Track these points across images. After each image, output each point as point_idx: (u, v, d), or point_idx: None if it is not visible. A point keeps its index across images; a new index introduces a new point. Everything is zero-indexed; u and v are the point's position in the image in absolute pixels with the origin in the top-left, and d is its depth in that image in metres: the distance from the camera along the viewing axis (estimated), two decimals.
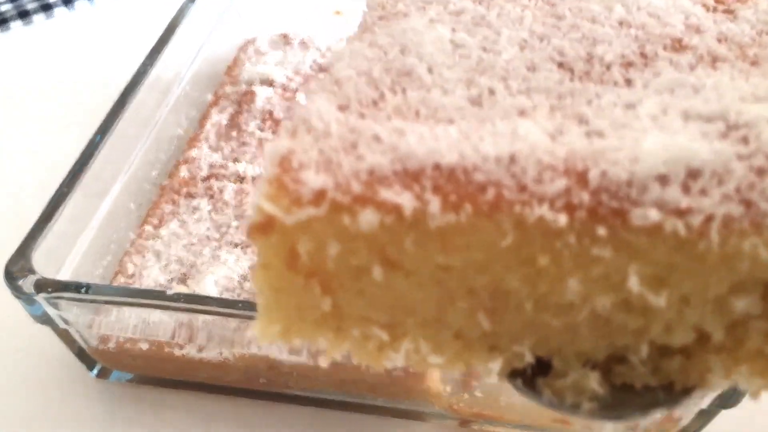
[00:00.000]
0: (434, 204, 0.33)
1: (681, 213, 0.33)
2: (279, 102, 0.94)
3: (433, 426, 0.72)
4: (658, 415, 0.40)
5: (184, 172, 0.86)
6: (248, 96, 0.94)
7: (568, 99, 0.39)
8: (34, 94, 1.15)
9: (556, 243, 0.34)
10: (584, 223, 0.33)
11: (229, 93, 0.96)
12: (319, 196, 0.34)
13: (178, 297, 0.64)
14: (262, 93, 0.95)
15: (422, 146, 0.35)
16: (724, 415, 0.63)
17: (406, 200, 0.33)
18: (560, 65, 0.42)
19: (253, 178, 0.84)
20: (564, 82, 0.40)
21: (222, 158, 0.87)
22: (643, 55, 0.42)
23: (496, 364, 0.39)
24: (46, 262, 0.68)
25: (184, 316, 0.64)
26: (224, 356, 0.70)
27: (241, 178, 0.85)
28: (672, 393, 0.39)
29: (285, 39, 1.05)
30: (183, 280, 0.74)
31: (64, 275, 0.71)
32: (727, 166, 0.34)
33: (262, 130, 0.90)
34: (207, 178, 0.85)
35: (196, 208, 0.81)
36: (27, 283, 0.65)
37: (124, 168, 0.82)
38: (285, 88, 0.97)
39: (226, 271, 0.74)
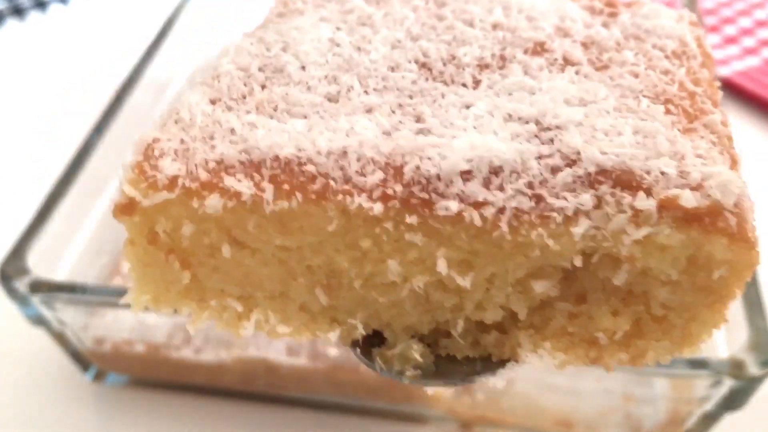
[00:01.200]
0: (269, 192, 0.38)
1: (477, 205, 0.38)
2: None
3: (433, 429, 0.71)
4: (476, 381, 0.46)
5: None
6: None
7: (417, 98, 0.44)
8: (28, 93, 1.14)
9: (375, 229, 0.39)
10: (398, 212, 0.38)
11: None
12: (173, 181, 0.39)
13: None
14: None
15: (266, 139, 0.40)
16: (729, 419, 0.63)
17: (244, 187, 0.38)
18: (422, 65, 0.47)
19: None
20: (418, 82, 0.46)
21: None
22: (502, 57, 0.47)
23: (335, 335, 0.44)
24: (41, 263, 0.67)
25: (180, 318, 0.64)
26: (221, 359, 0.69)
27: None
28: (489, 364, 0.45)
29: None
30: None
31: (60, 276, 0.71)
32: (526, 164, 0.39)
33: None
34: None
35: None
36: (22, 284, 0.64)
37: (120, 167, 0.81)
38: None
39: None
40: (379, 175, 0.38)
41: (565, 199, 0.37)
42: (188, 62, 0.97)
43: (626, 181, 0.38)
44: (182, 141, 0.41)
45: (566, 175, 0.38)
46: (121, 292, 0.66)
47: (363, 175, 0.39)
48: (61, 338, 0.71)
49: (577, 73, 0.46)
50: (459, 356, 0.45)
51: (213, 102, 0.44)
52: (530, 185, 0.38)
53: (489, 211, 0.38)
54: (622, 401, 0.64)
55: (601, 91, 0.43)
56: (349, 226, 0.39)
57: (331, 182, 0.38)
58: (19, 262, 0.65)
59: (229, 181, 0.39)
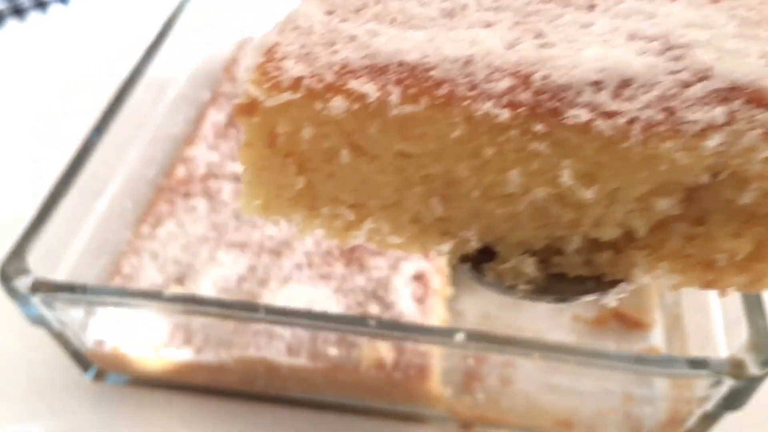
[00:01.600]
0: (395, 95, 0.38)
1: (608, 115, 0.37)
2: None
3: (433, 429, 0.71)
4: (587, 299, 0.45)
5: (181, 171, 0.85)
6: None
7: (532, 17, 0.43)
8: (28, 92, 1.14)
9: (500, 137, 0.38)
10: (525, 120, 0.37)
11: (227, 92, 0.96)
12: (296, 83, 0.38)
13: (175, 298, 0.64)
14: None
15: (390, 45, 0.40)
16: (728, 419, 0.63)
17: (370, 90, 0.38)
18: None
19: None
20: (531, 3, 0.44)
21: (220, 157, 0.87)
22: None
23: (446, 247, 0.44)
24: (41, 263, 0.67)
25: (181, 318, 0.64)
26: (221, 358, 0.69)
27: (238, 178, 0.84)
28: (601, 284, 0.44)
29: None
30: (180, 280, 0.74)
31: (60, 276, 0.71)
32: (656, 78, 0.38)
33: None
34: (205, 178, 0.85)
35: (193, 208, 0.81)
36: (22, 284, 0.64)
37: (121, 167, 0.82)
38: None
39: (223, 272, 0.74)
40: (507, 83, 0.38)
41: (697, 113, 0.37)
42: (189, 62, 0.98)
43: (759, 98, 0.37)
44: (303, 46, 0.40)
45: (698, 89, 0.37)
46: (122, 292, 0.67)
47: (490, 82, 0.38)
48: (61, 338, 0.71)
49: (689, 3, 0.44)
50: (570, 274, 0.45)
51: (328, 14, 0.44)
52: (661, 98, 0.37)
53: (619, 121, 0.37)
54: (622, 401, 0.64)
55: (720, 18, 0.42)
56: (473, 133, 0.39)
57: (458, 88, 0.38)
58: (20, 262, 0.66)
59: (354, 84, 0.38)
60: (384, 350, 0.63)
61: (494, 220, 0.43)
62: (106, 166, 0.79)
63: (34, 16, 1.28)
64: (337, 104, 0.38)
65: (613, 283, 0.44)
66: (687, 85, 0.37)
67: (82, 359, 0.74)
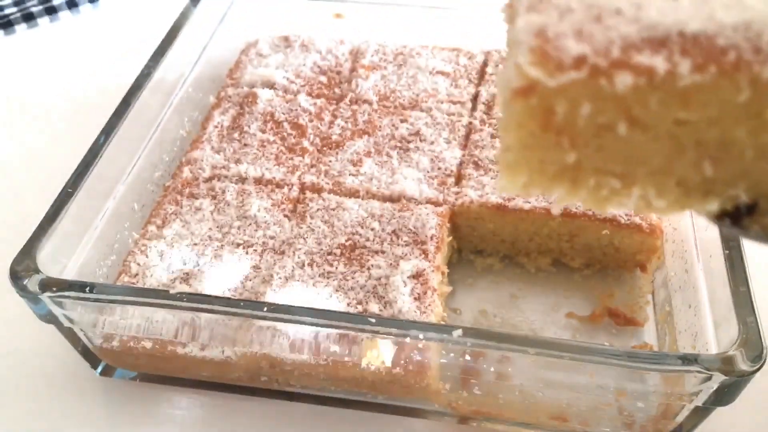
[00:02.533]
0: (684, 65, 0.37)
1: None
2: (280, 104, 0.95)
3: (432, 423, 0.73)
4: None
5: (186, 173, 0.87)
6: (250, 98, 0.95)
7: None
8: (39, 96, 1.16)
9: None
10: None
11: (231, 95, 0.97)
12: (580, 61, 0.38)
13: (181, 296, 0.65)
14: (263, 95, 0.96)
15: (665, 16, 0.39)
16: (719, 413, 0.64)
17: (658, 63, 0.37)
18: None
19: (255, 180, 0.85)
20: None
21: (224, 159, 0.88)
22: None
23: (712, 206, 0.43)
24: (50, 262, 0.69)
25: (187, 315, 0.65)
26: (226, 354, 0.71)
27: (242, 179, 0.86)
28: None
29: (286, 41, 1.06)
30: (186, 279, 0.75)
31: (69, 275, 0.72)
32: None
33: (263, 131, 0.91)
34: (209, 179, 0.86)
35: (198, 209, 0.82)
36: (32, 283, 0.66)
37: (128, 169, 0.83)
38: (286, 90, 0.98)
39: (228, 271, 0.75)
40: None
41: None
42: (194, 66, 0.99)
43: None
44: (572, 23, 0.40)
45: None
46: (129, 291, 0.68)
47: None
48: (70, 335, 0.72)
49: None
50: None
51: None
52: None
53: None
54: (615, 396, 0.65)
55: None
56: (757, 96, 0.38)
57: (744, 53, 0.37)
58: (30, 261, 0.67)
59: (640, 58, 0.38)
60: (384, 347, 0.64)
61: (763, 177, 0.42)
62: (113, 167, 0.80)
63: (43, 23, 1.29)
64: (623, 79, 0.38)
65: None
66: None
67: (90, 355, 0.75)
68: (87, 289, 0.66)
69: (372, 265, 0.75)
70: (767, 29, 0.38)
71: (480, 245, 0.87)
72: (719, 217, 0.45)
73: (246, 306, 0.64)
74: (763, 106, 0.39)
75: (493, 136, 0.89)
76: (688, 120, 0.40)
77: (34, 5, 1.28)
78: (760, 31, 0.38)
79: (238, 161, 0.87)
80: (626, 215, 0.79)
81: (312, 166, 0.88)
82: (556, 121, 0.41)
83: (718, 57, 0.37)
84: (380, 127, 0.92)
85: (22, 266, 0.67)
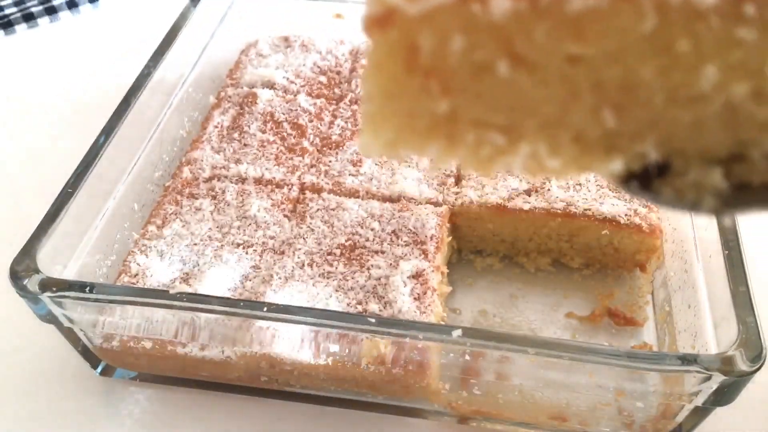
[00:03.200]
0: None
1: None
2: (280, 104, 0.95)
3: (432, 423, 0.73)
4: None
5: (186, 173, 0.87)
6: (250, 98, 0.96)
7: None
8: (39, 96, 1.16)
9: (699, 25, 0.32)
10: (731, 3, 0.31)
11: (231, 95, 0.97)
12: None
13: (180, 296, 0.65)
14: (263, 95, 0.96)
15: None
16: (719, 413, 0.64)
17: None
18: None
19: (255, 180, 0.85)
20: None
21: (224, 159, 0.88)
22: None
23: (616, 165, 0.38)
24: (50, 262, 0.69)
25: (186, 315, 0.65)
26: (226, 354, 0.71)
27: (242, 179, 0.86)
28: None
29: (286, 42, 1.06)
30: (186, 279, 0.75)
31: (69, 275, 0.72)
32: None
33: (263, 131, 0.91)
34: (209, 179, 0.86)
35: (198, 209, 0.82)
36: (32, 283, 0.66)
37: (128, 169, 0.83)
38: (286, 90, 0.98)
39: (228, 271, 0.75)
40: None
41: None
42: (194, 66, 0.99)
43: None
44: None
45: None
46: (129, 291, 0.68)
47: None
48: (70, 335, 0.72)
49: None
50: (756, 182, 0.38)
51: None
52: None
53: None
54: (615, 396, 0.65)
55: None
56: (666, 24, 0.32)
57: None
58: (30, 261, 0.67)
59: None
60: (383, 347, 0.64)
61: (675, 129, 0.36)
62: (113, 167, 0.80)
63: (43, 23, 1.29)
64: (500, 5, 0.31)
65: None
66: None
67: (90, 355, 0.75)
68: (87, 289, 0.66)
69: (372, 265, 0.75)
70: None
71: (480, 245, 0.87)
72: (626, 180, 0.39)
73: (246, 306, 0.64)
74: (672, 38, 0.33)
75: None
76: (582, 56, 0.33)
77: (34, 5, 1.28)
78: None
79: (238, 161, 0.88)
80: (626, 216, 0.79)
81: (312, 166, 0.88)
82: (422, 60, 0.34)
83: None
84: None
85: (22, 266, 0.67)
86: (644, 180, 0.38)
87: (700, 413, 0.65)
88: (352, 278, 0.74)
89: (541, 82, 0.35)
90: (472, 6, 0.31)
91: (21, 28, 1.28)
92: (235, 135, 0.91)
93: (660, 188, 0.38)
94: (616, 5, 0.32)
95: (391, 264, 0.75)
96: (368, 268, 0.75)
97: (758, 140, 0.37)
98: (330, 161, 0.88)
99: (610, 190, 0.82)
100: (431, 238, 0.78)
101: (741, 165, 0.38)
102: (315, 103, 0.96)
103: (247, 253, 0.77)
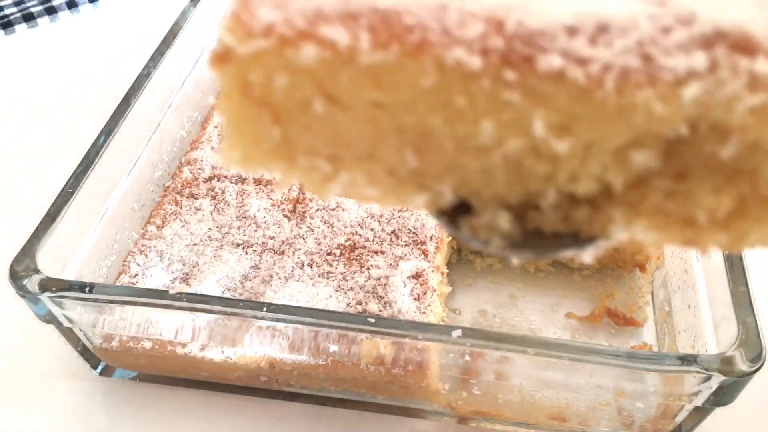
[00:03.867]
0: (364, 40, 0.36)
1: (582, 61, 0.34)
2: None
3: (432, 423, 0.73)
4: (563, 254, 0.43)
5: (186, 173, 0.87)
6: None
7: None
8: (39, 96, 1.16)
9: (472, 85, 0.36)
10: (496, 67, 0.35)
11: None
12: (269, 29, 0.37)
13: (180, 297, 0.65)
14: None
15: None
16: (719, 413, 0.64)
17: (340, 36, 0.36)
18: None
19: (255, 180, 0.85)
20: None
21: None
22: None
23: (421, 200, 0.42)
24: (50, 262, 0.69)
25: (186, 316, 0.65)
26: (226, 355, 0.71)
27: (242, 179, 0.86)
28: (578, 240, 0.43)
29: None
30: (185, 279, 0.75)
31: (68, 275, 0.72)
32: (635, 22, 0.35)
33: None
34: (209, 179, 0.86)
35: (198, 209, 0.82)
36: (31, 283, 0.66)
37: (128, 169, 0.83)
38: None
39: (227, 271, 0.75)
40: (480, 29, 0.35)
41: (677, 59, 0.34)
42: (196, 65, 0.99)
43: (744, 44, 0.34)
44: None
45: (679, 34, 0.35)
46: (129, 291, 0.68)
47: (463, 27, 0.36)
48: (70, 335, 0.72)
49: None
50: (547, 230, 0.43)
51: None
52: (640, 44, 0.35)
53: (594, 69, 0.34)
54: (615, 396, 0.65)
55: None
56: (445, 81, 0.36)
57: (430, 34, 0.36)
58: (29, 261, 0.67)
59: (325, 30, 0.36)
60: (383, 347, 0.64)
61: (468, 173, 0.41)
62: (113, 167, 0.80)
63: (43, 23, 1.29)
64: (308, 52, 0.36)
65: (591, 239, 0.43)
66: (668, 30, 0.35)
67: (90, 355, 0.75)
68: (86, 289, 0.66)
69: (371, 266, 0.75)
70: (459, 11, 0.36)
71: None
72: (438, 214, 0.44)
73: (245, 306, 0.64)
74: (452, 94, 0.37)
75: None
76: (382, 102, 0.38)
77: (34, 5, 1.28)
78: (452, 12, 0.36)
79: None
80: None
81: None
82: (255, 93, 0.39)
83: (402, 36, 0.36)
84: None
85: (22, 266, 0.67)
86: (453, 215, 0.43)
87: (699, 413, 0.65)
88: (352, 278, 0.74)
89: (352, 121, 0.40)
90: (287, 51, 0.37)
91: (21, 28, 1.28)
92: None
93: (462, 225, 0.43)
94: (401, 61, 0.36)
95: (390, 264, 0.75)
96: (368, 269, 0.75)
97: (543, 192, 0.41)
98: None
99: None
100: (431, 238, 0.78)
101: (535, 213, 0.42)
102: None
103: (246, 253, 0.77)
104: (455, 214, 0.43)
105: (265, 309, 0.64)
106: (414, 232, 0.78)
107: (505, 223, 0.42)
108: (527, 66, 0.35)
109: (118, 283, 0.76)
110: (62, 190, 0.74)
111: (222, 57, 0.38)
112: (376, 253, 0.76)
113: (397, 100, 0.38)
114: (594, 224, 0.42)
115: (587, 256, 0.43)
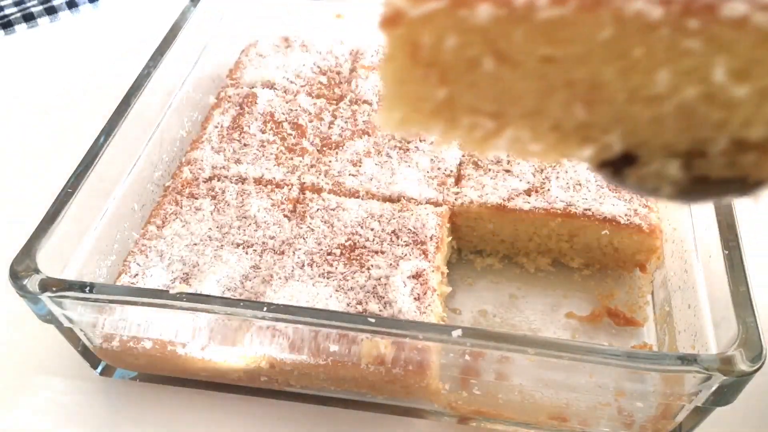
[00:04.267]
0: None
1: (766, 7, 0.34)
2: (280, 104, 0.95)
3: (432, 423, 0.73)
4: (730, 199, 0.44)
5: (186, 173, 0.87)
6: (250, 98, 0.96)
7: None
8: (39, 96, 1.16)
9: (651, 36, 0.36)
10: (677, 16, 0.35)
11: (231, 95, 0.97)
12: None
13: (180, 296, 0.65)
14: (263, 95, 0.96)
15: None
16: (719, 413, 0.64)
17: None
18: None
19: (255, 179, 0.85)
20: None
21: (224, 159, 0.88)
22: None
23: (587, 153, 0.42)
24: (50, 262, 0.69)
25: (186, 316, 0.65)
26: (226, 355, 0.71)
27: (242, 179, 0.86)
28: (745, 185, 0.42)
29: (286, 42, 1.06)
30: (185, 279, 0.75)
31: (69, 275, 0.72)
32: None
33: (263, 132, 0.91)
34: (209, 179, 0.86)
35: (198, 209, 0.82)
36: (32, 283, 0.66)
37: (128, 169, 0.83)
38: (286, 91, 0.98)
39: (227, 271, 0.75)
40: None
41: None
42: (194, 66, 0.99)
43: None
44: None
45: None
46: (129, 291, 0.68)
47: None
48: (70, 335, 0.72)
49: None
50: (713, 176, 0.42)
51: None
52: None
53: None
54: (615, 396, 0.65)
55: None
56: (622, 33, 0.37)
57: None
58: (30, 261, 0.67)
59: None
60: (383, 347, 0.64)
61: (638, 124, 0.41)
62: (113, 167, 0.80)
63: (43, 23, 1.29)
64: (483, 11, 0.37)
65: (760, 184, 0.42)
66: None
67: (90, 355, 0.75)
68: (87, 289, 0.66)
69: (372, 265, 0.75)
70: None
71: (480, 245, 0.87)
72: (600, 167, 0.44)
73: (245, 306, 0.64)
74: (629, 45, 0.37)
75: None
76: (554, 57, 0.38)
77: (34, 5, 1.28)
78: None
79: (238, 161, 0.88)
80: (626, 216, 0.79)
81: (312, 166, 0.88)
82: (423, 54, 0.40)
83: None
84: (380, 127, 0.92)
85: (22, 266, 0.67)
86: (617, 167, 0.43)
87: (700, 413, 0.65)
88: (352, 278, 0.74)
89: (521, 78, 0.40)
90: (461, 11, 0.37)
91: (21, 28, 1.28)
92: (235, 135, 0.91)
93: (627, 175, 0.43)
94: (579, 16, 0.36)
95: (391, 264, 0.75)
96: (368, 268, 0.75)
97: (713, 139, 0.41)
98: (330, 161, 0.88)
99: (609, 190, 0.82)
100: (431, 238, 0.78)
101: (701, 160, 0.42)
102: (315, 103, 0.96)
103: (246, 253, 0.77)
104: (619, 165, 0.43)
105: (265, 309, 0.64)
106: (414, 232, 0.78)
107: (675, 171, 0.42)
108: (709, 13, 0.35)
109: (118, 283, 0.76)
110: (62, 190, 0.74)
111: (392, 20, 0.38)
112: (376, 253, 0.76)
113: (570, 54, 0.38)
114: (762, 168, 0.41)
115: (755, 198, 0.42)
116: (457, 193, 0.83)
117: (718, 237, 0.68)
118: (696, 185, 0.43)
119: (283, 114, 0.94)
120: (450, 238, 0.83)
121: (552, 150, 0.43)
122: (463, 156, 0.88)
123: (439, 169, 0.86)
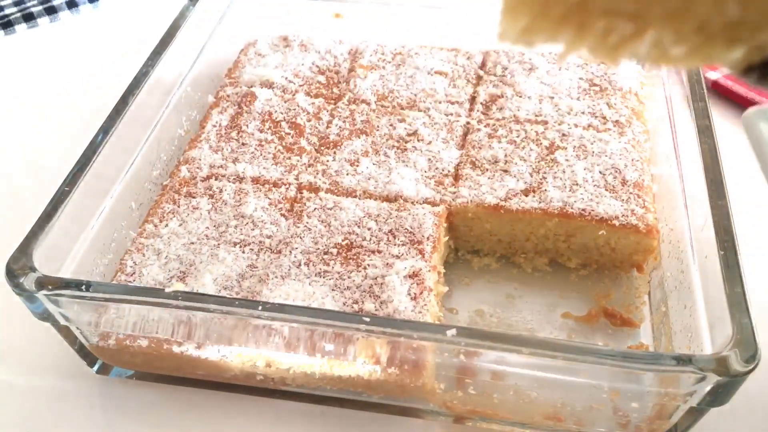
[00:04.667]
0: None
1: None
2: (278, 103, 0.95)
3: (428, 423, 0.73)
4: None
5: (184, 172, 0.87)
6: (248, 98, 0.96)
7: None
8: (38, 96, 1.16)
9: None
10: None
11: (230, 94, 0.98)
12: None
13: (177, 295, 0.65)
14: (262, 95, 0.96)
15: None
16: (714, 413, 0.64)
17: None
18: None
19: (252, 179, 0.85)
20: None
21: (222, 158, 0.88)
22: None
23: (735, 55, 0.39)
24: (47, 260, 0.69)
25: (183, 314, 0.65)
26: (222, 353, 0.71)
27: (240, 179, 0.86)
28: None
29: (285, 41, 1.06)
30: (182, 278, 0.75)
31: (65, 273, 0.72)
32: None
33: (261, 131, 0.92)
34: (207, 178, 0.86)
35: (195, 208, 0.82)
36: (28, 281, 0.66)
37: (126, 167, 0.83)
38: (285, 90, 0.98)
39: (224, 270, 0.75)
40: None
41: None
42: (192, 65, 0.99)
43: None
44: None
45: None
46: (125, 289, 0.68)
47: None
48: (66, 333, 0.72)
49: None
50: None
51: None
52: None
53: None
54: (610, 396, 0.65)
55: None
56: None
57: None
58: (26, 260, 0.67)
59: None
60: (379, 346, 0.64)
61: None
62: (111, 166, 0.80)
63: (43, 23, 1.30)
64: None
65: None
66: None
67: (86, 354, 0.76)
68: (83, 287, 0.66)
69: (368, 265, 0.75)
70: None
71: (477, 245, 0.87)
72: (746, 70, 0.40)
73: (241, 305, 0.64)
74: None
75: (490, 136, 0.89)
76: None
77: (34, 5, 1.28)
78: None
79: (235, 160, 0.88)
80: (623, 216, 0.79)
81: (309, 165, 0.88)
82: None
83: None
84: (378, 127, 0.92)
85: (19, 264, 0.67)
86: (764, 71, 0.40)
87: (695, 413, 0.65)
88: (349, 277, 0.74)
89: None
90: None
91: (21, 28, 1.28)
92: (233, 134, 0.91)
93: None
94: None
95: (387, 263, 0.75)
96: (364, 268, 0.75)
97: None
98: (328, 161, 0.88)
99: (606, 190, 0.82)
100: (428, 238, 0.78)
101: None
102: (313, 103, 0.96)
103: (243, 251, 0.77)
104: (765, 70, 0.40)
105: (261, 308, 0.64)
106: (411, 232, 0.78)
107: None
108: None
109: (114, 282, 0.76)
110: (59, 189, 0.74)
111: None
112: (372, 252, 0.76)
113: None
114: None
115: None
116: (454, 193, 0.83)
117: (714, 238, 0.68)
118: None
119: (282, 113, 0.94)
120: (447, 238, 0.83)
121: (696, 53, 0.40)
122: (461, 156, 0.88)
123: (436, 168, 0.86)
